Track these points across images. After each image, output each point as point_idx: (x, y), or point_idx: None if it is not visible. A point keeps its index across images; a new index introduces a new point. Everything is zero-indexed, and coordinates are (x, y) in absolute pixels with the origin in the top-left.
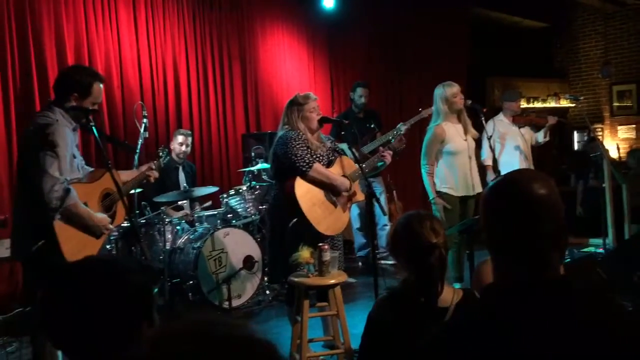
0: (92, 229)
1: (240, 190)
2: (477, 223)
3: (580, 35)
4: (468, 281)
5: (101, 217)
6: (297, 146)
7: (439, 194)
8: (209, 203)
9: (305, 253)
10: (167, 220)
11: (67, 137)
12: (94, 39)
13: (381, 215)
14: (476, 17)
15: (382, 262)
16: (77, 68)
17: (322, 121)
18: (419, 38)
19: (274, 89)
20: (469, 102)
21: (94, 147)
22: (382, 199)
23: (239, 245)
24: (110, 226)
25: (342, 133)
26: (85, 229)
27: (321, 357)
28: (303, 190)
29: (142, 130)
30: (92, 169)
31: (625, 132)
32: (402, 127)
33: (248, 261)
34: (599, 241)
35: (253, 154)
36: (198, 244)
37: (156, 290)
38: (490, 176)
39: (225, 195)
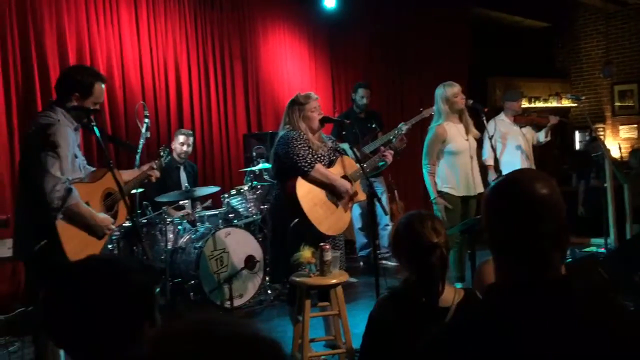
0: (94, 228)
1: (242, 190)
2: (478, 223)
3: (582, 35)
4: (470, 281)
5: (103, 217)
6: (299, 146)
7: (440, 193)
8: (209, 202)
9: (306, 253)
10: (168, 220)
11: (69, 137)
12: (95, 39)
13: (383, 215)
14: (477, 17)
15: (384, 262)
16: (79, 68)
17: (324, 121)
18: (420, 38)
19: (275, 89)
20: (471, 102)
21: (96, 147)
22: (384, 198)
23: (240, 245)
24: (113, 226)
25: (344, 133)
26: (87, 229)
27: (323, 357)
28: (304, 191)
29: (143, 130)
30: (94, 169)
31: (626, 132)
32: (404, 127)
33: (249, 261)
34: (601, 241)
35: (254, 153)
36: (199, 243)
37: (158, 290)
38: (492, 176)
39: (226, 195)
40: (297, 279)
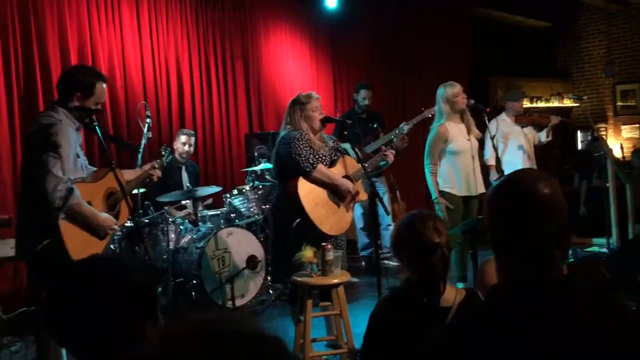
0: (96, 228)
1: (244, 190)
2: (480, 223)
3: (584, 35)
4: (472, 281)
5: (106, 217)
6: (301, 146)
7: (442, 193)
8: (209, 200)
9: (308, 252)
10: (170, 220)
11: (71, 137)
12: (97, 39)
13: (385, 215)
14: (479, 16)
15: (386, 262)
16: (80, 68)
17: (325, 121)
18: (422, 38)
19: (276, 89)
20: (472, 101)
21: (98, 146)
22: (386, 198)
23: (242, 244)
24: (115, 226)
25: (345, 133)
26: (89, 229)
27: (324, 357)
28: (306, 191)
29: (145, 130)
30: (95, 169)
31: (628, 132)
32: (405, 127)
33: (251, 261)
34: (603, 241)
35: (256, 153)
36: (201, 243)
37: (160, 289)
38: (494, 176)
39: (228, 195)
40: (299, 279)
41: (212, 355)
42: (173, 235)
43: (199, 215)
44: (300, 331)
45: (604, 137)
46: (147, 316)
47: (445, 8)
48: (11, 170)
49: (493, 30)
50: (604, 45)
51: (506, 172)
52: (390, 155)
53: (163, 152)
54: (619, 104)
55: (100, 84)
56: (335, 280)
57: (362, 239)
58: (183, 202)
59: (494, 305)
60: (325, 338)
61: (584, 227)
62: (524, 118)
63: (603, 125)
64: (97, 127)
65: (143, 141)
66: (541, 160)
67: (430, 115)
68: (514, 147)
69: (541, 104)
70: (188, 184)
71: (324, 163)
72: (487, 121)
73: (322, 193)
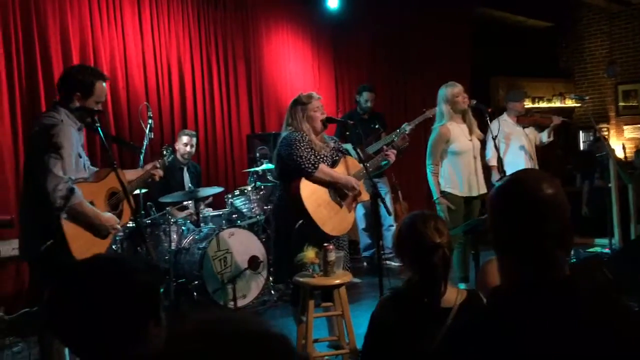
0: (98, 228)
1: (245, 191)
2: (482, 223)
3: (586, 35)
4: (474, 282)
5: (108, 216)
6: (302, 148)
7: (443, 194)
8: (210, 199)
9: (310, 253)
10: (172, 220)
11: (72, 137)
12: (99, 39)
13: (387, 215)
14: (480, 16)
15: (388, 262)
16: (79, 67)
17: (327, 121)
18: (423, 38)
19: (278, 89)
20: (474, 102)
21: (100, 147)
22: (388, 199)
23: (244, 245)
24: (118, 226)
25: (347, 133)
26: (92, 228)
27: (326, 357)
28: (308, 192)
29: (147, 130)
30: (97, 169)
31: (631, 132)
32: (407, 127)
33: (253, 261)
34: (605, 241)
35: (258, 154)
36: (203, 244)
37: (162, 290)
38: (495, 176)
39: (230, 196)
40: (301, 280)
41: (217, 353)
42: (175, 236)
43: (201, 215)
44: (302, 332)
45: (606, 137)
46: (150, 316)
47: (447, 8)
48: (13, 171)
49: (495, 30)
50: (606, 45)
51: (508, 173)
52: (392, 154)
53: (164, 152)
54: (621, 104)
55: (100, 82)
56: (337, 281)
57: (364, 240)
58: (185, 202)
59: (496, 305)
60: (327, 339)
61: (586, 227)
62: (525, 118)
63: (605, 125)
64: (99, 128)
65: (145, 142)
66: (543, 161)
67: (431, 116)
68: (515, 148)
69: (543, 104)
70: (190, 185)
71: (326, 164)
72: (489, 121)
73: (324, 194)
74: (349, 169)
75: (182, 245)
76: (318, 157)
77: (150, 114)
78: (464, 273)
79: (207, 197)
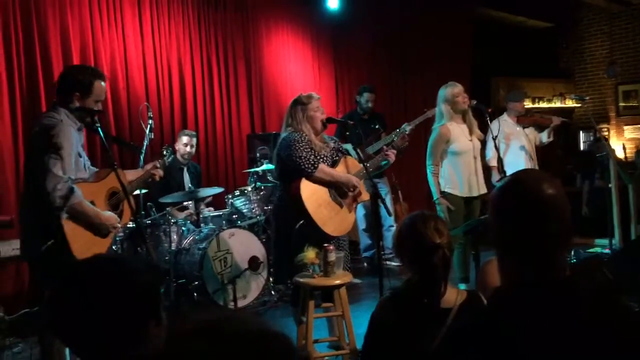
0: (98, 227)
1: (246, 191)
2: (482, 224)
3: (586, 35)
4: (474, 282)
5: (109, 215)
6: (301, 148)
7: (444, 194)
8: (210, 200)
9: (310, 253)
10: (172, 221)
11: (72, 138)
12: (99, 40)
13: (387, 216)
14: (481, 17)
15: (388, 263)
16: (78, 67)
17: (328, 121)
18: (423, 38)
19: (278, 90)
20: (474, 102)
21: (100, 147)
22: (388, 199)
23: (244, 245)
24: (118, 225)
25: (347, 134)
26: (92, 228)
27: (326, 358)
28: (309, 192)
29: (147, 131)
30: (97, 169)
31: (631, 132)
32: (407, 128)
33: (253, 262)
34: (605, 242)
35: (258, 154)
36: (203, 244)
37: (162, 290)
38: (496, 177)
39: (230, 196)
40: (301, 280)
41: (218, 353)
42: (175, 236)
43: (201, 216)
44: (302, 332)
45: (606, 137)
46: (150, 316)
47: (447, 8)
48: (14, 171)
49: (495, 30)
50: (606, 45)
51: (508, 173)
52: (392, 154)
53: (164, 152)
54: (621, 104)
55: (99, 82)
56: (338, 281)
57: (365, 240)
58: (185, 203)
59: (496, 305)
60: (327, 339)
61: (586, 227)
62: (525, 119)
63: (605, 125)
64: (99, 128)
65: (145, 142)
66: (543, 161)
67: (431, 116)
68: (515, 148)
69: (543, 105)
70: (190, 185)
71: (326, 164)
72: (489, 122)
73: (324, 194)
74: (349, 169)
75: (182, 245)
76: (318, 157)
77: (150, 114)
78: (464, 273)
79: (207, 198)
